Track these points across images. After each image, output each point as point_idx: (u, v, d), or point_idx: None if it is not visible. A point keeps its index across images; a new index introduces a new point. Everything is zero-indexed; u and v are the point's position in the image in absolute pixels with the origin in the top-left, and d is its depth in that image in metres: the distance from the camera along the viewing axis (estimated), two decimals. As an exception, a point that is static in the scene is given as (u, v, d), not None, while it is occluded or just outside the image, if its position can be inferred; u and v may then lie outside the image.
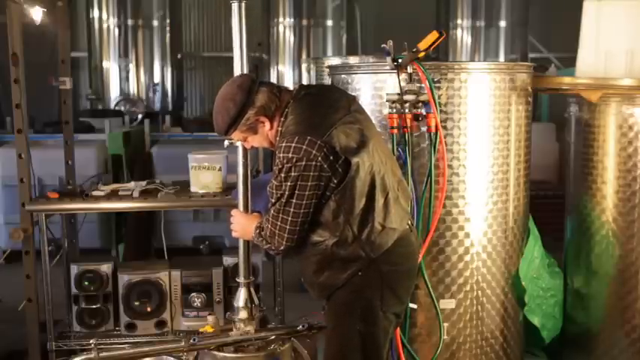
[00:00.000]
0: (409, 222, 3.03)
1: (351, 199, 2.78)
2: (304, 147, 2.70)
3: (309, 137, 2.71)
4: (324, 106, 2.87)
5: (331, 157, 2.72)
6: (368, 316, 2.87)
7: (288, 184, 2.73)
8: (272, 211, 2.82)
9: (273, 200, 2.81)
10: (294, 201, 2.75)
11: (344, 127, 2.79)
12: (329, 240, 2.82)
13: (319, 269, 2.89)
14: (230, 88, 2.89)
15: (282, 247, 2.85)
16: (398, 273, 2.93)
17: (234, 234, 3.18)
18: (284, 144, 2.73)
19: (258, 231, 2.95)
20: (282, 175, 2.73)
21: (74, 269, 4.46)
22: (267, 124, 2.87)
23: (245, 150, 3.22)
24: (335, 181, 2.75)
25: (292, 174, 2.71)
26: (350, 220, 2.79)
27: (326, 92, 3.06)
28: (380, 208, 2.83)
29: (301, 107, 2.85)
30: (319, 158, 2.69)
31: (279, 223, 2.81)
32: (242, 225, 3.13)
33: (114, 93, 10.38)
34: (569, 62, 7.07)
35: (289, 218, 2.78)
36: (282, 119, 2.85)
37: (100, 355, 3.15)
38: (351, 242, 2.81)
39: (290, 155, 2.70)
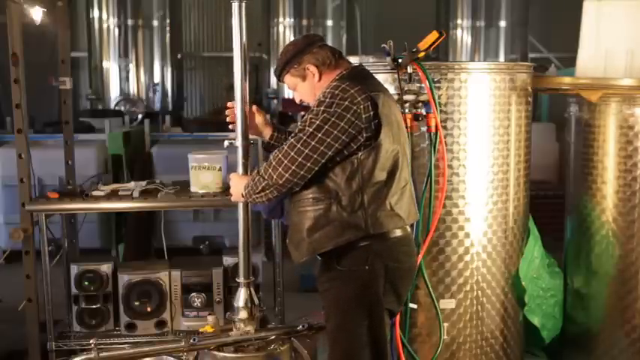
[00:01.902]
0: (410, 224, 3.03)
1: (372, 167, 2.79)
2: (352, 91, 2.77)
3: (359, 86, 2.80)
4: (378, 83, 3.00)
5: (371, 112, 2.77)
6: (374, 311, 2.87)
7: (324, 116, 2.75)
8: (291, 140, 2.79)
9: (296, 131, 2.80)
10: (319, 135, 2.74)
11: (390, 100, 2.92)
12: (334, 199, 2.80)
13: (314, 226, 2.84)
14: (297, 38, 3.12)
15: (280, 181, 2.78)
16: (401, 270, 2.94)
17: (232, 198, 3.14)
18: (334, 83, 2.84)
19: (255, 172, 2.90)
20: (321, 108, 2.77)
21: (74, 269, 4.45)
22: (317, 76, 2.96)
23: (245, 150, 3.21)
24: (364, 136, 2.77)
25: (331, 109, 2.75)
26: (364, 188, 2.79)
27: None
28: (396, 190, 2.85)
29: (357, 74, 2.95)
30: (361, 107, 2.76)
31: (292, 153, 2.76)
32: (236, 181, 3.06)
33: (114, 93, 10.40)
34: (569, 62, 7.07)
35: (306, 150, 2.75)
36: (336, 77, 2.90)
37: (100, 355, 3.15)
38: (356, 209, 2.80)
39: (337, 92, 2.78)
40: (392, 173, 2.84)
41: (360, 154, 2.78)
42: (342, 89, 2.79)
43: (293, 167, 2.77)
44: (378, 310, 2.88)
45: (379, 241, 2.85)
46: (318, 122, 2.75)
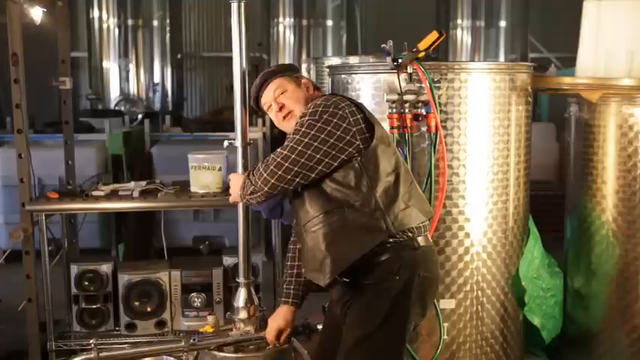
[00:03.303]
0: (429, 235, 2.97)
1: (375, 166, 2.74)
2: (334, 99, 2.81)
3: (340, 96, 2.89)
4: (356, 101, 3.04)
5: (358, 116, 2.77)
6: (400, 323, 2.76)
7: (309, 122, 2.73)
8: (278, 149, 2.79)
9: (287, 141, 2.78)
10: (306, 140, 2.71)
11: (373, 115, 2.92)
12: (347, 207, 2.72)
13: (333, 240, 2.73)
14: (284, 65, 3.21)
15: (265, 188, 2.77)
16: (430, 280, 2.86)
17: (231, 199, 3.11)
18: (316, 99, 2.87)
19: (247, 174, 2.89)
20: (306, 117, 2.76)
21: (74, 269, 4.46)
22: (311, 88, 3.01)
23: (245, 150, 3.22)
24: (359, 138, 2.73)
25: (316, 117, 2.73)
26: (373, 189, 2.72)
27: None
28: (405, 189, 2.79)
29: (335, 94, 3.14)
30: (347, 110, 2.75)
31: (278, 159, 2.74)
32: (235, 180, 3.02)
33: (114, 93, 10.39)
34: (569, 62, 7.08)
35: (292, 156, 2.72)
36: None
37: (100, 355, 3.15)
38: (373, 210, 2.71)
39: (319, 102, 2.79)
40: (396, 173, 2.80)
41: (360, 157, 2.74)
42: (324, 99, 2.81)
43: (279, 172, 2.74)
44: (405, 321, 2.77)
45: (407, 251, 2.76)
46: (303, 129, 2.73)
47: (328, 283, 2.78)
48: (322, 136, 2.71)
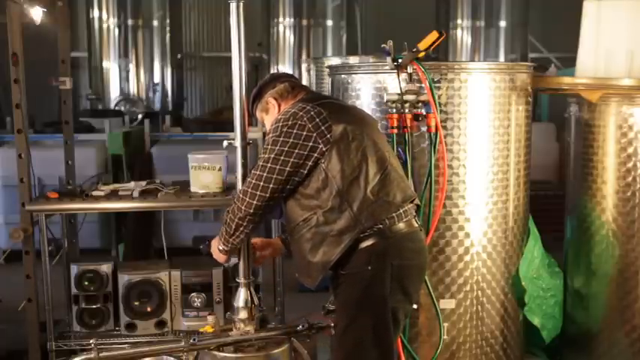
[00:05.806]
0: (417, 221, 3.03)
1: (339, 167, 2.85)
2: (293, 110, 2.92)
3: (300, 104, 2.96)
4: (328, 97, 3.14)
5: (317, 120, 2.87)
6: (378, 312, 2.87)
7: (273, 139, 2.89)
8: (254, 170, 2.91)
9: (258, 161, 2.92)
10: (273, 156, 2.87)
11: (339, 103, 3.04)
12: (319, 211, 2.87)
13: (314, 246, 2.90)
14: (266, 76, 3.33)
15: (251, 210, 2.88)
16: (408, 268, 2.93)
17: (220, 260, 3.31)
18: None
19: (226, 212, 3.02)
20: (270, 135, 2.92)
21: (74, 269, 4.45)
22: (276, 108, 3.13)
23: (244, 150, 3.22)
24: (321, 142, 2.85)
25: (278, 132, 2.89)
26: (340, 190, 2.84)
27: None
28: (375, 180, 2.88)
29: (308, 97, 3.08)
30: (305, 118, 2.87)
31: (253, 181, 2.88)
32: (214, 244, 3.22)
33: (114, 93, 10.39)
34: (569, 62, 7.07)
35: (264, 174, 2.86)
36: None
37: (100, 355, 3.15)
38: (343, 209, 2.84)
39: (279, 117, 2.95)
40: (361, 166, 2.88)
41: (321, 161, 2.86)
42: (283, 113, 2.96)
43: (258, 193, 2.88)
44: (383, 310, 2.87)
45: (382, 240, 2.85)
46: (270, 147, 2.90)
47: (316, 285, 2.95)
48: (286, 149, 2.85)
